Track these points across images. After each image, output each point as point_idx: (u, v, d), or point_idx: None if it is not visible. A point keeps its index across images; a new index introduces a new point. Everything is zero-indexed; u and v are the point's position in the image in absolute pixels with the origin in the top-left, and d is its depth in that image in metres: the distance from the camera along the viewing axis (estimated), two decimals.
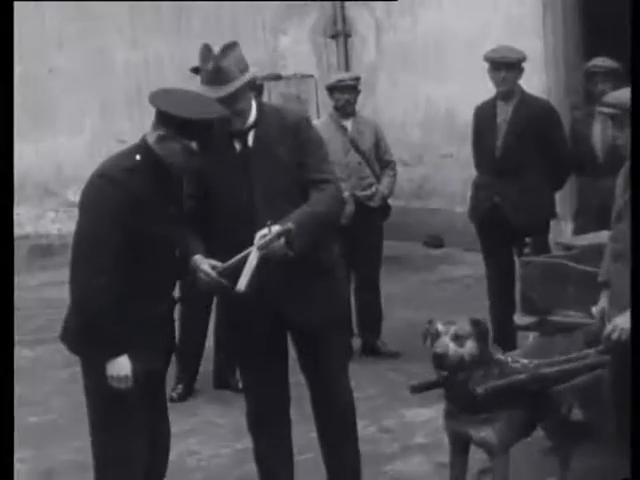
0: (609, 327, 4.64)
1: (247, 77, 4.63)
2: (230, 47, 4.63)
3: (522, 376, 4.71)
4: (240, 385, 7.33)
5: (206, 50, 4.63)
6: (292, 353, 4.94)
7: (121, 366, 4.30)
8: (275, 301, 4.70)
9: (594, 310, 4.95)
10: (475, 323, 4.69)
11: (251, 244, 4.43)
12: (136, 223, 4.24)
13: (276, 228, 4.41)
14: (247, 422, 5.07)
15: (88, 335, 4.29)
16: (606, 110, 4.77)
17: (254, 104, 4.73)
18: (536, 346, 5.33)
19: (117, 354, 4.30)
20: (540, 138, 7.11)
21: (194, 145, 4.27)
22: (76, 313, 4.35)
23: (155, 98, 4.32)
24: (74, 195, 8.77)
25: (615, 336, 4.59)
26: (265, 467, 5.07)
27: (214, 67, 4.57)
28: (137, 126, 9.93)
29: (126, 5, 12.24)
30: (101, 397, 4.37)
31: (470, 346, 4.63)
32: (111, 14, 12.27)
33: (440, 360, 4.61)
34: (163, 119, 4.26)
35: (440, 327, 4.66)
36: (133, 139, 4.50)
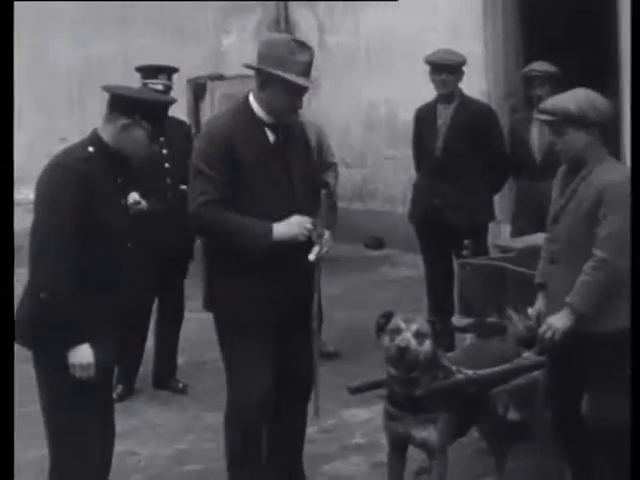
0: (544, 327, 4.70)
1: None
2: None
3: (461, 377, 4.76)
4: (180, 386, 7.37)
5: (301, 44, 4.85)
6: None
7: (84, 354, 4.30)
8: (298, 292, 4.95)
9: (530, 312, 5.02)
10: (432, 323, 4.72)
11: None
12: (90, 210, 4.26)
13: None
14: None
15: (48, 324, 4.27)
16: (542, 117, 4.83)
17: None
18: (470, 348, 5.39)
19: (80, 341, 4.30)
20: (479, 141, 7.19)
21: (152, 131, 4.38)
22: (36, 302, 4.30)
23: (115, 88, 4.41)
24: (15, 194, 8.71)
25: (549, 335, 4.66)
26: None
27: (310, 60, 4.83)
28: (78, 125, 9.88)
29: (68, 2, 12.15)
30: (59, 389, 4.35)
31: (427, 345, 4.66)
32: (53, 12, 12.17)
33: (402, 354, 4.61)
34: (126, 107, 4.32)
35: (401, 323, 4.67)
36: (74, 138, 4.52)
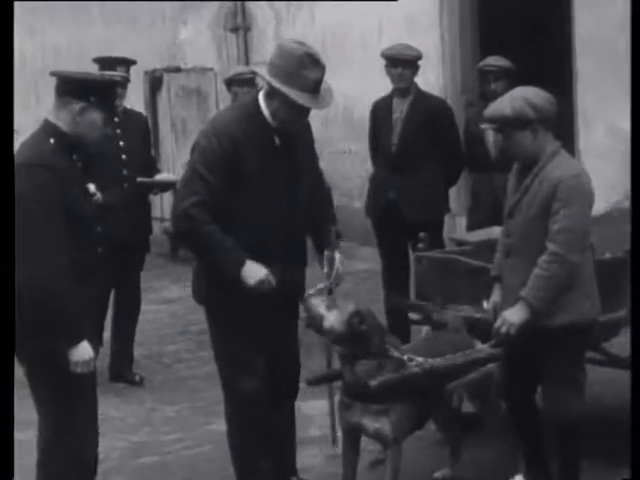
0: (499, 321, 4.75)
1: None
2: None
3: (416, 370, 4.80)
4: (137, 378, 7.37)
5: (314, 59, 4.70)
6: None
7: (85, 349, 4.27)
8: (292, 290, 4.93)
9: (486, 304, 5.06)
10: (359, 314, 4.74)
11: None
12: (67, 203, 4.24)
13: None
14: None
15: (48, 326, 4.21)
16: (484, 126, 4.89)
17: None
18: (426, 341, 5.42)
19: (82, 338, 4.27)
20: (434, 135, 7.23)
21: (106, 112, 4.40)
22: (33, 305, 4.20)
23: (66, 73, 4.41)
24: None
25: (504, 330, 4.71)
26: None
27: (321, 77, 4.71)
28: (34, 116, 9.81)
29: None
30: (63, 389, 4.30)
31: (333, 316, 4.70)
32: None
33: (310, 320, 4.74)
34: (80, 90, 4.30)
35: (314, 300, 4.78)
36: (29, 130, 4.49)
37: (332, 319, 4.70)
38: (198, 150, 4.78)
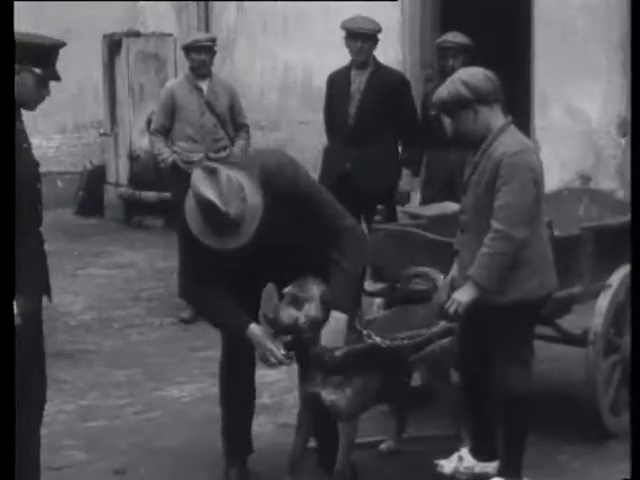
0: (449, 302, 4.77)
1: (256, 203, 4.51)
2: (220, 180, 4.46)
3: (379, 342, 4.80)
4: None
5: (212, 209, 4.43)
6: None
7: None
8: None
9: (442, 279, 5.08)
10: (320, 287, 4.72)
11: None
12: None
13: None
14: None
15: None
16: (434, 113, 4.95)
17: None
18: (393, 315, 5.41)
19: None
20: (391, 108, 7.25)
21: (42, 74, 4.37)
22: None
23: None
24: None
25: (452, 309, 4.75)
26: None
27: (224, 221, 4.46)
28: None
29: None
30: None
31: (308, 309, 4.69)
32: None
33: (272, 324, 4.69)
34: (19, 53, 4.26)
35: (285, 290, 4.72)
36: None
37: (311, 313, 4.68)
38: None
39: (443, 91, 4.80)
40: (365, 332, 4.81)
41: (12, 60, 4.23)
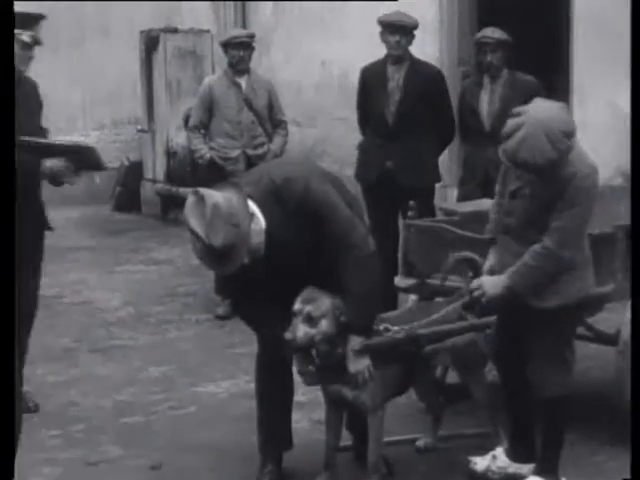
0: (475, 282, 4.77)
1: (244, 228, 4.47)
2: (206, 209, 4.44)
3: (398, 335, 4.81)
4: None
5: (197, 239, 4.44)
6: None
7: None
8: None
9: (485, 267, 4.99)
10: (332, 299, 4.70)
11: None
12: None
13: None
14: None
15: None
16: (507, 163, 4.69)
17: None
18: (416, 310, 5.41)
19: None
20: (429, 104, 7.22)
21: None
22: None
23: None
24: None
25: (476, 294, 4.73)
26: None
27: (210, 253, 4.45)
28: None
29: None
30: None
31: (324, 325, 4.67)
32: None
33: (290, 345, 4.66)
34: None
35: (296, 307, 4.68)
36: None
37: (326, 329, 4.67)
38: None
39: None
40: (382, 327, 4.81)
41: (12, 60, 4.23)
